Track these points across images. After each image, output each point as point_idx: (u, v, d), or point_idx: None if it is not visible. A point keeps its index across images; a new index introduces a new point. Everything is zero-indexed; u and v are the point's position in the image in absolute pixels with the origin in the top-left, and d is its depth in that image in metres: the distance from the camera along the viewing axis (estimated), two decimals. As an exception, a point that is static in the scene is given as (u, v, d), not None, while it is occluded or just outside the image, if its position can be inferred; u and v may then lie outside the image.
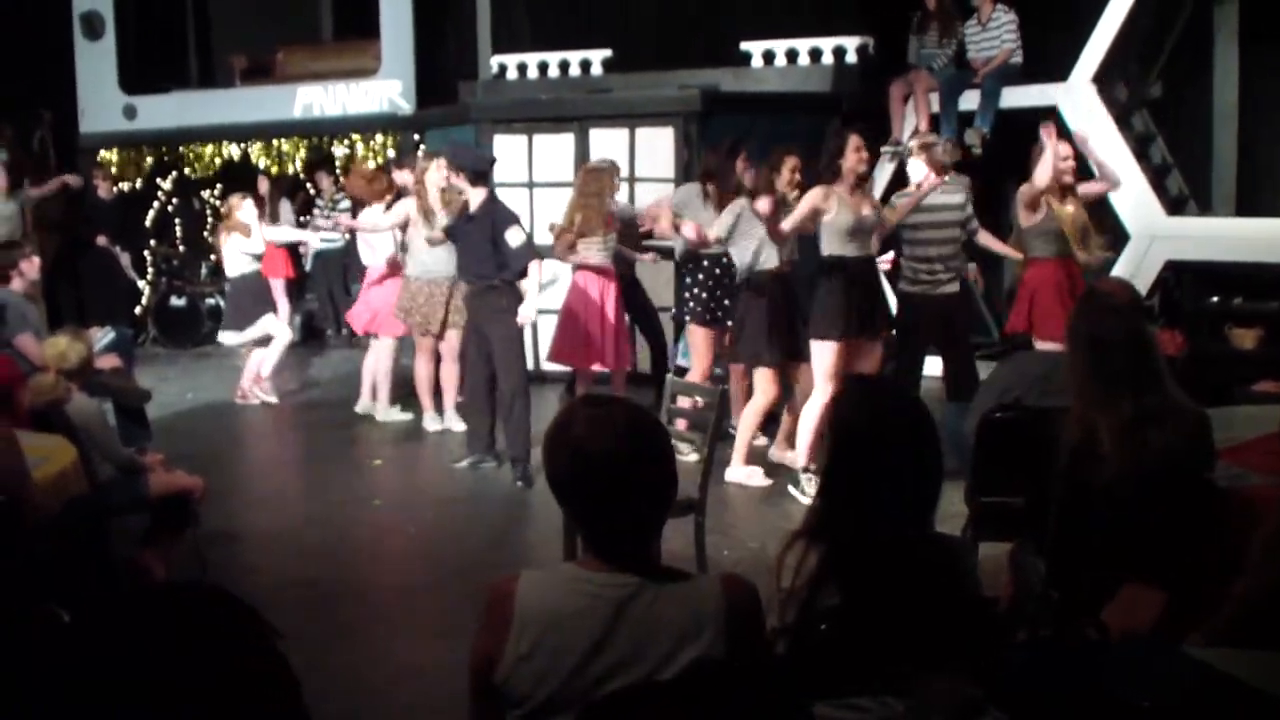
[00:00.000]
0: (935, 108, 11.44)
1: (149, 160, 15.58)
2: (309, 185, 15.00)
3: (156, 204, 15.77)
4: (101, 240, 14.39)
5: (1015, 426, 5.06)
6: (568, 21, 13.97)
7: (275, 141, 14.95)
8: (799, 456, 8.14)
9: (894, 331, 8.45)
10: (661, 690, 2.56)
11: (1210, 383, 8.17)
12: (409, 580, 7.11)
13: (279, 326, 11.13)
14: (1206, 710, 2.89)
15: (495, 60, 13.66)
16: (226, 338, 11.39)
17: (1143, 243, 10.41)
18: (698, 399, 7.51)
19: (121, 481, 6.35)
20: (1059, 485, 4.03)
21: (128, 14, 15.78)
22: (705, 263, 9.11)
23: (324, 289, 14.41)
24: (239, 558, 7.18)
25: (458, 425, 10.06)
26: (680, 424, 6.92)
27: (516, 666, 2.62)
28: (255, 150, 15.07)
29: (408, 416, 10.46)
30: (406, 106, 14.16)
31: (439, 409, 10.26)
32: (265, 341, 11.04)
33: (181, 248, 15.66)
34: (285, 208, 14.62)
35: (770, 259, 8.26)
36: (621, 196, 10.27)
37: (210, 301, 14.67)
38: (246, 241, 10.93)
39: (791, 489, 8.09)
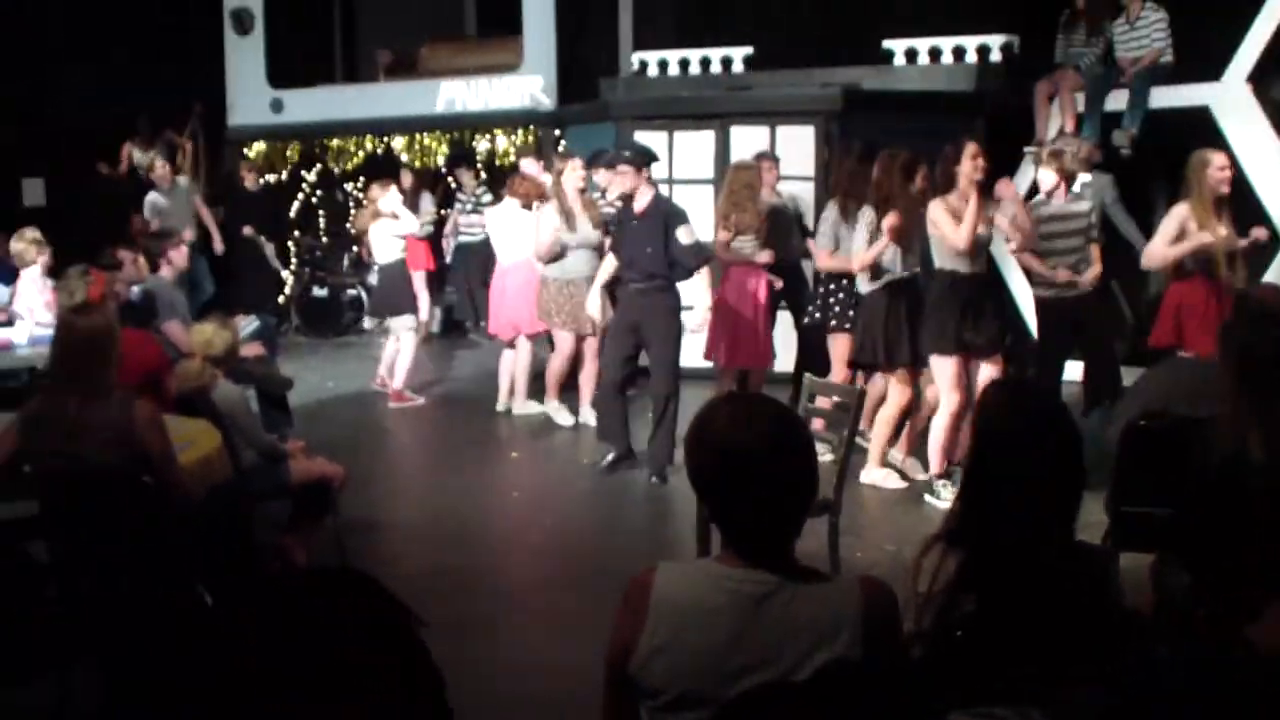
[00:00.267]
0: (1081, 108, 11.23)
1: (294, 153, 15.89)
2: (450, 180, 15.16)
3: (301, 196, 16.06)
4: (247, 231, 14.67)
5: (1162, 435, 4.95)
6: (709, 18, 13.96)
7: (417, 136, 15.16)
8: (931, 465, 8.05)
9: (1015, 343, 8.33)
10: (796, 691, 2.55)
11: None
12: (544, 574, 7.15)
13: (409, 335, 11.14)
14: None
15: (636, 57, 13.70)
16: (370, 323, 11.52)
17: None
18: (835, 399, 7.44)
19: (264, 468, 6.47)
20: (1208, 497, 3.93)
21: (276, 10, 16.11)
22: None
23: (464, 282, 14.54)
24: (377, 546, 7.27)
25: (595, 421, 10.12)
26: (817, 424, 6.85)
27: (651, 658, 2.63)
28: (398, 144, 15.29)
29: (543, 409, 10.51)
30: (547, 102, 14.26)
31: (573, 405, 10.29)
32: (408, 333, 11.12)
33: (324, 239, 15.92)
34: (426, 201, 14.79)
35: (899, 265, 8.15)
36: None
37: (351, 292, 14.91)
38: (396, 223, 11.07)
39: (928, 497, 8.00)
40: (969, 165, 7.71)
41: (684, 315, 8.79)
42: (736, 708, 2.54)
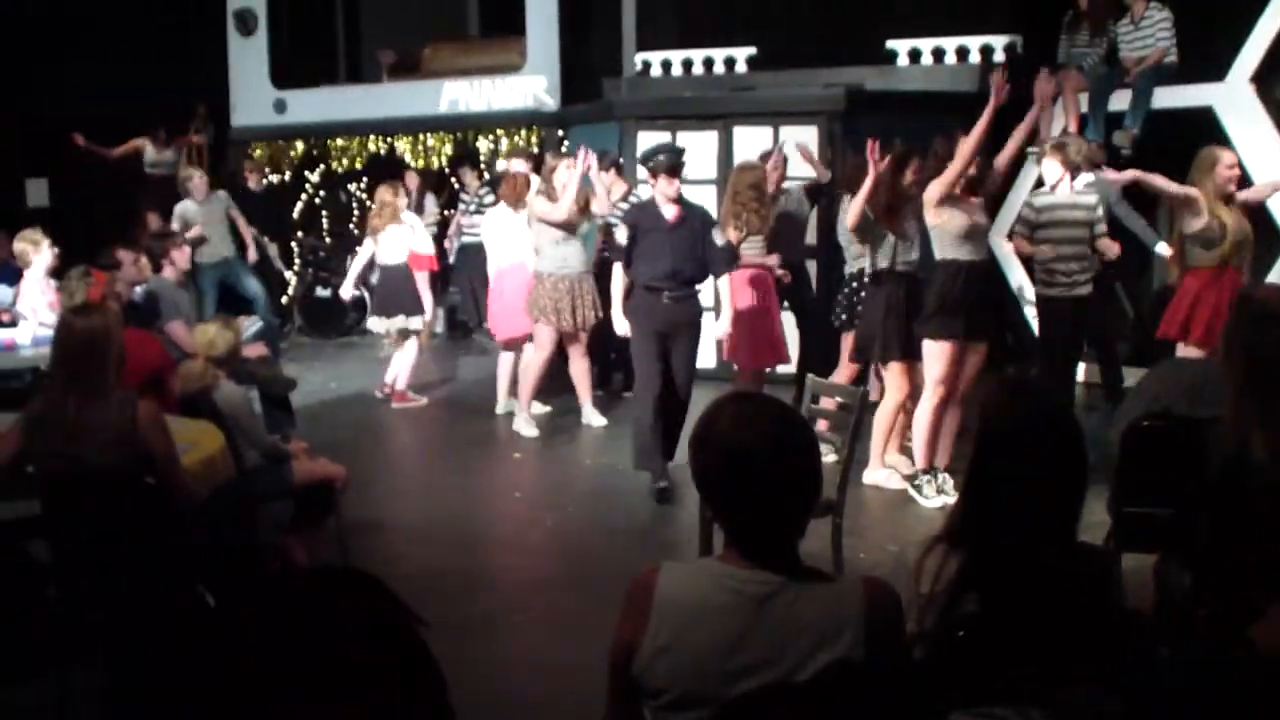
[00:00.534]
0: (1085, 108, 11.22)
1: (298, 154, 15.90)
2: (454, 180, 15.17)
3: (304, 196, 16.09)
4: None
5: (1163, 436, 4.95)
6: (712, 19, 13.95)
7: (421, 136, 15.17)
8: (916, 460, 8.05)
9: (1007, 339, 8.34)
10: (798, 691, 2.56)
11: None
12: (546, 574, 7.15)
13: (411, 343, 11.13)
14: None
15: (639, 57, 13.70)
16: (375, 324, 11.49)
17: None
18: (838, 399, 7.44)
19: (266, 468, 6.47)
20: (1210, 498, 3.92)
21: (280, 11, 16.16)
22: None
23: (467, 283, 14.53)
24: (379, 547, 7.26)
25: (597, 420, 10.12)
26: (821, 424, 6.85)
27: (654, 658, 2.63)
28: (401, 145, 15.30)
29: (547, 410, 10.51)
30: (551, 103, 14.27)
31: (571, 406, 10.27)
32: (405, 335, 11.11)
33: (327, 240, 15.93)
34: (430, 202, 14.80)
35: (899, 257, 8.14)
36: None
37: (354, 293, 14.89)
38: (411, 235, 11.07)
39: (911, 492, 8.01)
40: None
41: (706, 320, 8.67)
42: (739, 708, 2.54)
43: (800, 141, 10.88)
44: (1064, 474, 2.93)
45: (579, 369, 10.15)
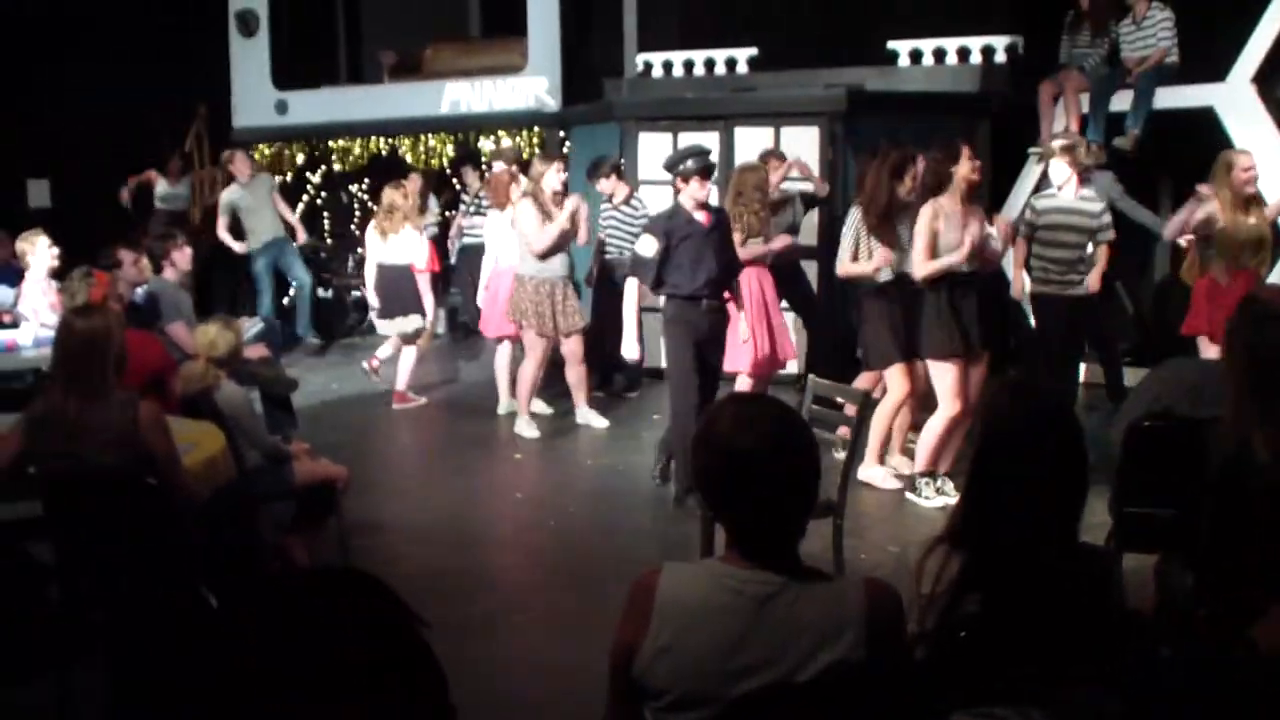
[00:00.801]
0: (1086, 109, 11.22)
1: (299, 154, 15.90)
2: (455, 181, 15.17)
3: (305, 197, 16.07)
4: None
5: (1165, 436, 4.94)
6: (713, 20, 13.95)
7: (422, 137, 15.17)
8: (917, 462, 8.04)
9: (1010, 342, 8.32)
10: (799, 692, 2.56)
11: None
12: (547, 575, 7.15)
13: (410, 349, 11.12)
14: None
15: (640, 58, 13.70)
16: (376, 324, 11.45)
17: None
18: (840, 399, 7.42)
19: (268, 469, 6.47)
20: (1211, 498, 3.92)
21: (281, 12, 16.15)
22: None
23: (468, 283, 14.53)
24: (380, 547, 7.26)
25: (596, 421, 10.11)
26: (843, 430, 6.82)
27: (655, 659, 2.63)
28: (403, 145, 15.31)
29: (549, 411, 10.51)
30: (552, 103, 14.27)
31: (568, 409, 10.27)
32: (411, 339, 11.09)
33: (329, 240, 15.92)
34: (431, 203, 14.80)
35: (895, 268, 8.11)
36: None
37: (356, 294, 14.89)
38: (414, 234, 11.07)
39: (909, 494, 8.01)
40: (967, 167, 7.68)
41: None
42: (740, 709, 2.55)
43: (799, 159, 10.84)
44: (1065, 474, 2.94)
45: (574, 375, 10.11)
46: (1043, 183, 10.62)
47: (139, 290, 8.72)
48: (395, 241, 10.94)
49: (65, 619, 5.06)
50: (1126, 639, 2.99)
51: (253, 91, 16.01)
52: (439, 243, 14.27)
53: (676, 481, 8.05)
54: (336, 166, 15.85)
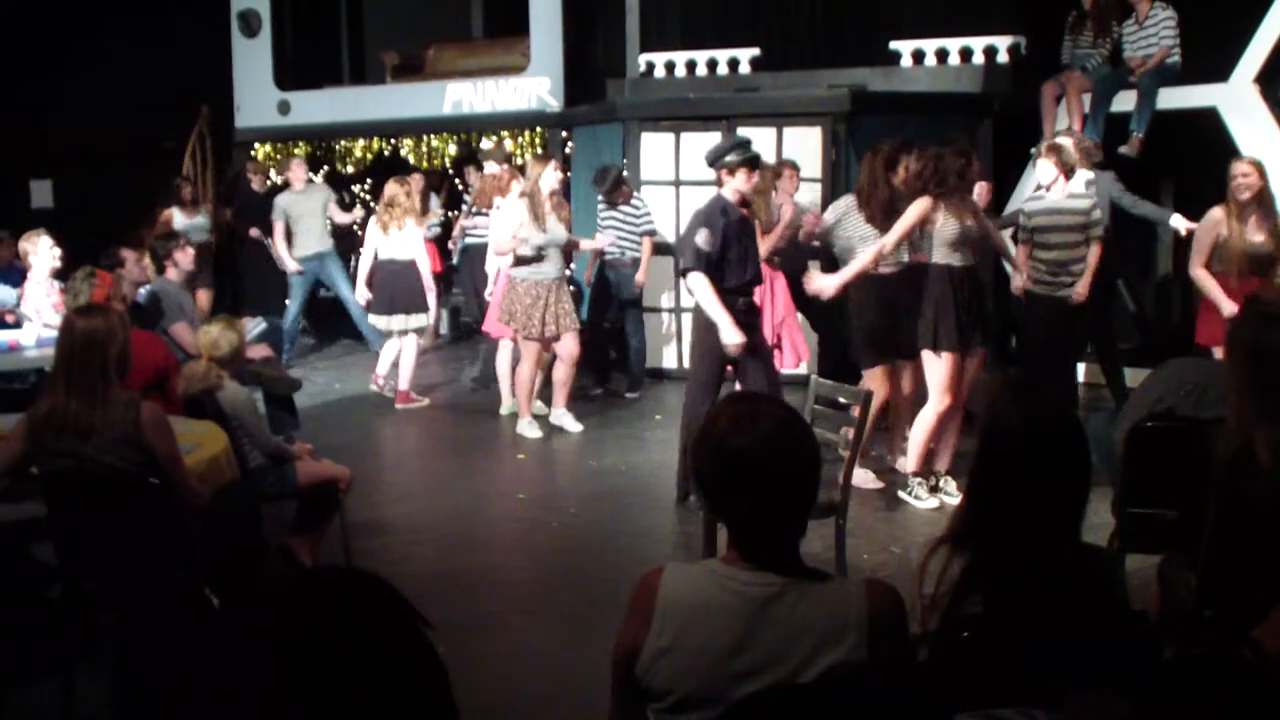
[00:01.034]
0: (1089, 109, 11.22)
1: (302, 155, 15.90)
2: (457, 181, 15.18)
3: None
4: (254, 233, 14.65)
5: (1167, 437, 4.94)
6: (716, 20, 13.97)
7: (425, 137, 15.18)
8: (909, 462, 8.04)
9: (1010, 341, 8.32)
10: (802, 693, 2.55)
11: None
12: (549, 576, 7.14)
13: (413, 335, 11.12)
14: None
15: (643, 58, 13.71)
16: (378, 322, 11.43)
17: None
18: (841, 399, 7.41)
19: (270, 469, 6.47)
20: (1214, 499, 3.92)
21: (283, 12, 16.18)
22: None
23: (470, 283, 14.53)
24: (383, 547, 7.26)
25: (570, 425, 10.07)
26: (856, 431, 6.80)
27: (657, 659, 2.63)
28: (405, 146, 15.31)
29: (550, 412, 10.50)
30: (554, 104, 14.27)
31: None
32: (411, 334, 11.09)
33: (331, 240, 15.89)
34: (433, 203, 14.80)
35: (889, 260, 8.12)
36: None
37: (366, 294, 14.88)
38: (417, 230, 11.05)
39: (902, 494, 8.01)
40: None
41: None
42: (742, 710, 2.54)
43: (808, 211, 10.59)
44: (1067, 475, 2.93)
45: (561, 374, 10.06)
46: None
47: (142, 290, 8.73)
48: (397, 236, 10.93)
49: (69, 619, 5.07)
50: (1130, 640, 2.99)
51: (255, 92, 16.03)
52: (441, 243, 14.28)
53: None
54: (339, 167, 15.85)
